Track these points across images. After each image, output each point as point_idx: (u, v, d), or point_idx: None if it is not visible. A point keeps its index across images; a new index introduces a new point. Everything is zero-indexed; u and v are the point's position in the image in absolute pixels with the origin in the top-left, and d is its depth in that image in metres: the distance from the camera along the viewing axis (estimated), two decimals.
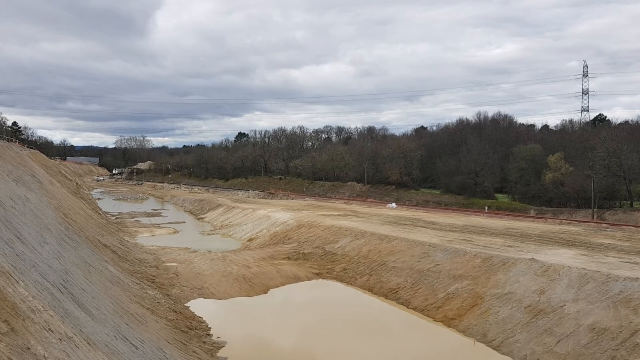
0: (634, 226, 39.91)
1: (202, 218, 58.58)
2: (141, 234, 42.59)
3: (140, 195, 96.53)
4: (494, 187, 66.12)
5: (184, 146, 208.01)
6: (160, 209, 70.33)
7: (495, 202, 61.72)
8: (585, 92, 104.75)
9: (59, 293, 11.67)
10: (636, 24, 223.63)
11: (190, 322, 18.27)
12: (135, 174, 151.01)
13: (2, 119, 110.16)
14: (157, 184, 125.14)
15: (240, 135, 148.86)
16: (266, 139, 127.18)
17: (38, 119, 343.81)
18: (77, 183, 63.63)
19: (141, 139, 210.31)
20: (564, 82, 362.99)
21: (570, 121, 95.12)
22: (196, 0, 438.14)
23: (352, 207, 58.66)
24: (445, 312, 20.16)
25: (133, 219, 54.17)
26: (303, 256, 30.72)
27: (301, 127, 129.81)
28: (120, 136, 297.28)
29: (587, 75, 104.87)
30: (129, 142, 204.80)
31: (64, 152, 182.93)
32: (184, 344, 15.61)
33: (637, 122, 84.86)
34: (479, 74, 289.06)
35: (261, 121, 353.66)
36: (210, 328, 18.23)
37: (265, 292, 24.29)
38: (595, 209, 48.55)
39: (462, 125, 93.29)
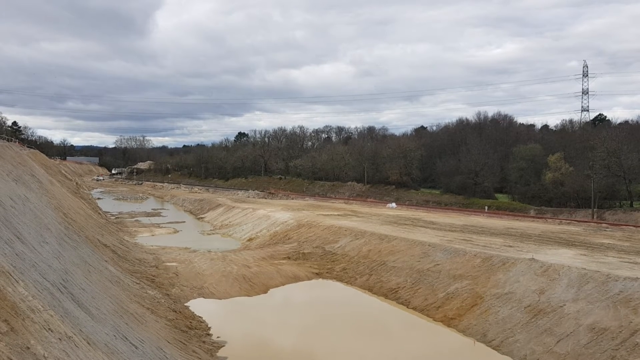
0: (634, 226, 39.91)
1: (202, 218, 58.58)
2: (141, 233, 42.59)
3: (140, 195, 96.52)
4: (494, 187, 66.13)
5: (184, 146, 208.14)
6: (160, 209, 70.33)
7: (495, 202, 61.73)
8: (585, 92, 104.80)
9: (59, 293, 11.67)
10: (636, 24, 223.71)
11: (190, 322, 18.26)
12: (135, 173, 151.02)
13: (2, 118, 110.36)
14: (157, 183, 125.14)
15: (240, 135, 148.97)
16: (266, 139, 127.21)
17: (38, 119, 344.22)
18: (77, 183, 63.64)
19: (141, 138, 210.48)
20: (564, 82, 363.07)
21: (570, 121, 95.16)
22: (196, 0, 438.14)
23: (352, 207, 58.66)
24: (445, 312, 20.16)
25: (133, 219, 54.17)
26: (303, 256, 30.71)
27: (301, 127, 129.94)
28: (120, 136, 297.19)
29: (587, 75, 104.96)
30: (129, 142, 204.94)
31: (64, 151, 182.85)
32: (184, 343, 15.61)
33: (637, 122, 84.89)
34: (479, 74, 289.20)
35: (261, 121, 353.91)
36: (210, 328, 18.23)
37: (265, 292, 24.29)
38: (595, 209, 48.56)
39: (462, 125, 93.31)
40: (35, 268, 11.74)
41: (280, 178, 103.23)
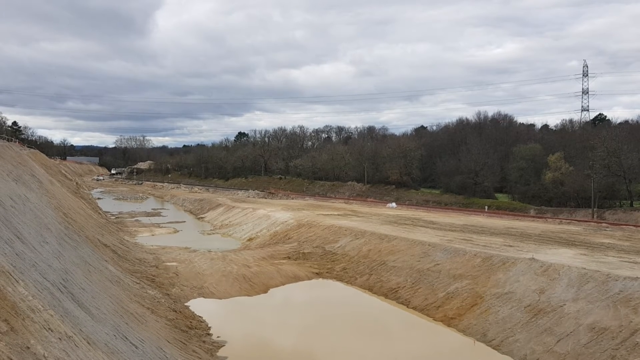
0: (634, 226, 39.90)
1: (202, 218, 58.58)
2: (141, 233, 42.59)
3: (140, 194, 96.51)
4: (494, 186, 66.13)
5: (184, 146, 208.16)
6: (160, 209, 70.32)
7: (495, 201, 61.74)
8: (585, 92, 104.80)
9: (59, 292, 11.67)
10: (636, 24, 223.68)
11: (190, 322, 18.26)
12: (135, 173, 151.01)
13: (2, 118, 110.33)
14: (157, 183, 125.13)
15: (240, 135, 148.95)
16: (266, 139, 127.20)
17: (38, 119, 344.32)
18: (77, 183, 63.67)
19: (141, 138, 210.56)
20: (564, 81, 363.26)
21: (570, 121, 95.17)
22: (196, 0, 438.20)
23: (352, 206, 58.66)
24: (445, 311, 20.16)
25: (133, 219, 54.16)
26: (303, 256, 30.71)
27: (301, 127, 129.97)
28: (120, 136, 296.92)
29: (587, 75, 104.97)
30: (129, 142, 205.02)
31: (64, 151, 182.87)
32: (184, 343, 15.61)
33: (637, 121, 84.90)
34: (479, 73, 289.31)
35: (261, 121, 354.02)
36: (210, 327, 18.23)
37: (265, 292, 24.29)
38: (595, 209, 48.55)
39: (462, 125, 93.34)
40: (36, 268, 11.74)
41: (280, 178, 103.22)
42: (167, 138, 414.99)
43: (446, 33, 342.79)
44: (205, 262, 27.77)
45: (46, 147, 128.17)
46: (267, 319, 20.71)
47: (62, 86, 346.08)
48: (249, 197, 79.87)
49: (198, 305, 21.03)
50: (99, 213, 46.14)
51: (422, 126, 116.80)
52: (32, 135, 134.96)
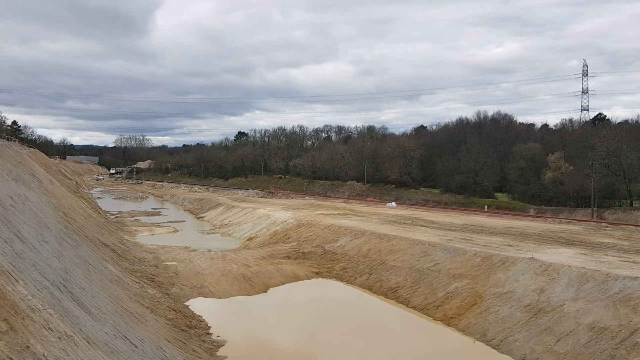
0: (634, 225, 39.92)
1: (201, 217, 58.57)
2: (141, 233, 42.58)
3: (140, 194, 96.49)
4: (494, 186, 66.19)
5: (184, 145, 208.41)
6: (160, 208, 70.30)
7: (495, 201, 61.77)
8: (585, 92, 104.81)
9: (59, 292, 11.67)
10: (636, 23, 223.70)
11: (190, 321, 18.26)
12: (135, 173, 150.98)
13: (2, 118, 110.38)
14: (157, 183, 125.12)
15: (240, 134, 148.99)
16: (266, 138, 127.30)
17: (38, 118, 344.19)
18: (76, 182, 63.66)
19: (141, 138, 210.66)
20: (563, 81, 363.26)
21: (570, 120, 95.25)
22: None
23: (352, 206, 58.65)
24: (444, 311, 20.16)
25: (133, 218, 54.15)
26: (303, 255, 30.71)
27: (301, 126, 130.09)
28: (120, 135, 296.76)
29: (587, 75, 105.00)
30: (129, 141, 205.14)
31: (64, 151, 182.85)
32: (184, 342, 15.61)
33: (637, 121, 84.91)
34: (479, 73, 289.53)
35: (261, 120, 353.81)
36: (209, 327, 18.23)
37: (265, 291, 24.29)
38: (594, 208, 48.57)
39: (462, 125, 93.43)
40: (35, 267, 11.74)
41: (280, 177, 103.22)
42: (166, 137, 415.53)
43: (446, 32, 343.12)
44: (205, 262, 27.77)
45: (46, 147, 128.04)
46: (267, 318, 20.71)
47: (62, 85, 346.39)
48: (248, 196, 79.87)
49: (198, 305, 21.03)
50: (99, 212, 46.14)
51: (422, 126, 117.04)
52: (31, 135, 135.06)
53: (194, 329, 17.48)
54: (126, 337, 12.30)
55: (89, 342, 9.44)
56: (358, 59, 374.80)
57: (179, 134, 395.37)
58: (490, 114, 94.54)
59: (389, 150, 79.26)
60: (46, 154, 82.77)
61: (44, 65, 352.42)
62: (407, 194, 71.70)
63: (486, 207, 56.54)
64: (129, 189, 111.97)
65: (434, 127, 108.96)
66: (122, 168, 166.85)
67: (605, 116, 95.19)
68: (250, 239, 39.96)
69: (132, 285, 20.54)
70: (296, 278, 26.59)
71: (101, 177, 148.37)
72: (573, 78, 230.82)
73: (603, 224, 41.30)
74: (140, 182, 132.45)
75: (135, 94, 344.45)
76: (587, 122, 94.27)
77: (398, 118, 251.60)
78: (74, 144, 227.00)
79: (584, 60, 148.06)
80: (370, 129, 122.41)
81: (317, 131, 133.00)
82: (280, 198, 76.84)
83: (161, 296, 20.64)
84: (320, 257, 30.43)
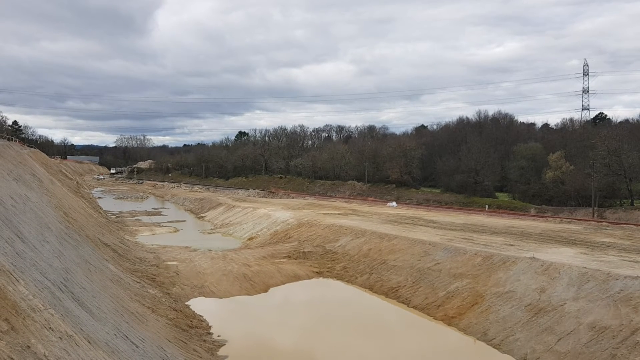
0: (635, 225, 39.89)
1: (202, 217, 58.59)
2: (142, 232, 42.60)
3: (141, 194, 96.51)
4: (495, 185, 66.17)
5: (185, 145, 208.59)
6: (161, 208, 70.33)
7: (496, 200, 61.75)
8: (585, 91, 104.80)
9: (60, 292, 11.68)
10: (636, 23, 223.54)
11: (191, 321, 18.27)
12: (135, 172, 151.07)
13: (2, 118, 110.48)
14: (158, 182, 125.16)
15: (241, 134, 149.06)
16: (266, 138, 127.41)
17: (38, 118, 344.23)
18: (77, 182, 63.70)
19: (141, 137, 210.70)
20: (564, 80, 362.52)
21: (571, 120, 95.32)
22: None
23: (353, 206, 58.64)
24: (445, 310, 20.16)
25: (133, 218, 54.17)
26: (303, 255, 30.71)
27: (301, 126, 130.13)
28: (121, 135, 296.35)
29: (588, 74, 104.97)
30: (130, 141, 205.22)
31: (65, 151, 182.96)
32: (185, 342, 15.62)
33: (637, 120, 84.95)
34: (480, 72, 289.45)
35: (262, 120, 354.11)
36: (210, 327, 18.24)
37: (266, 291, 24.29)
38: (595, 208, 48.54)
39: (463, 124, 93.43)
40: (36, 267, 11.75)
41: (281, 177, 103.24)
42: (167, 137, 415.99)
43: (447, 32, 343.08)
44: (206, 261, 27.77)
45: (46, 147, 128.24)
46: (268, 318, 20.71)
47: (62, 85, 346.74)
48: (249, 196, 79.87)
49: (198, 305, 21.03)
50: (100, 212, 46.16)
51: (422, 125, 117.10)
52: (32, 135, 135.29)
53: (194, 329, 17.49)
54: (127, 337, 12.31)
55: (89, 342, 9.44)
56: (358, 59, 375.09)
57: (180, 134, 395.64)
58: (490, 113, 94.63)
59: (389, 150, 79.26)
60: (47, 154, 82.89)
61: (44, 65, 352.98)
62: (407, 193, 71.69)
63: (487, 206, 56.52)
64: (129, 188, 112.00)
65: (435, 127, 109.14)
66: (123, 168, 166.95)
67: (606, 115, 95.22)
68: (250, 238, 39.96)
69: (133, 285, 20.55)
70: (297, 278, 26.60)
71: (102, 177, 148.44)
72: (574, 77, 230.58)
73: (604, 223, 41.26)
74: (140, 182, 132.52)
75: (135, 94, 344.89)
76: (587, 121, 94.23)
77: (398, 118, 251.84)
78: (75, 144, 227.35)
79: (585, 59, 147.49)
80: (371, 128, 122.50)
81: (317, 131, 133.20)
82: (280, 198, 76.84)
83: (162, 296, 20.65)
84: (321, 256, 30.43)
